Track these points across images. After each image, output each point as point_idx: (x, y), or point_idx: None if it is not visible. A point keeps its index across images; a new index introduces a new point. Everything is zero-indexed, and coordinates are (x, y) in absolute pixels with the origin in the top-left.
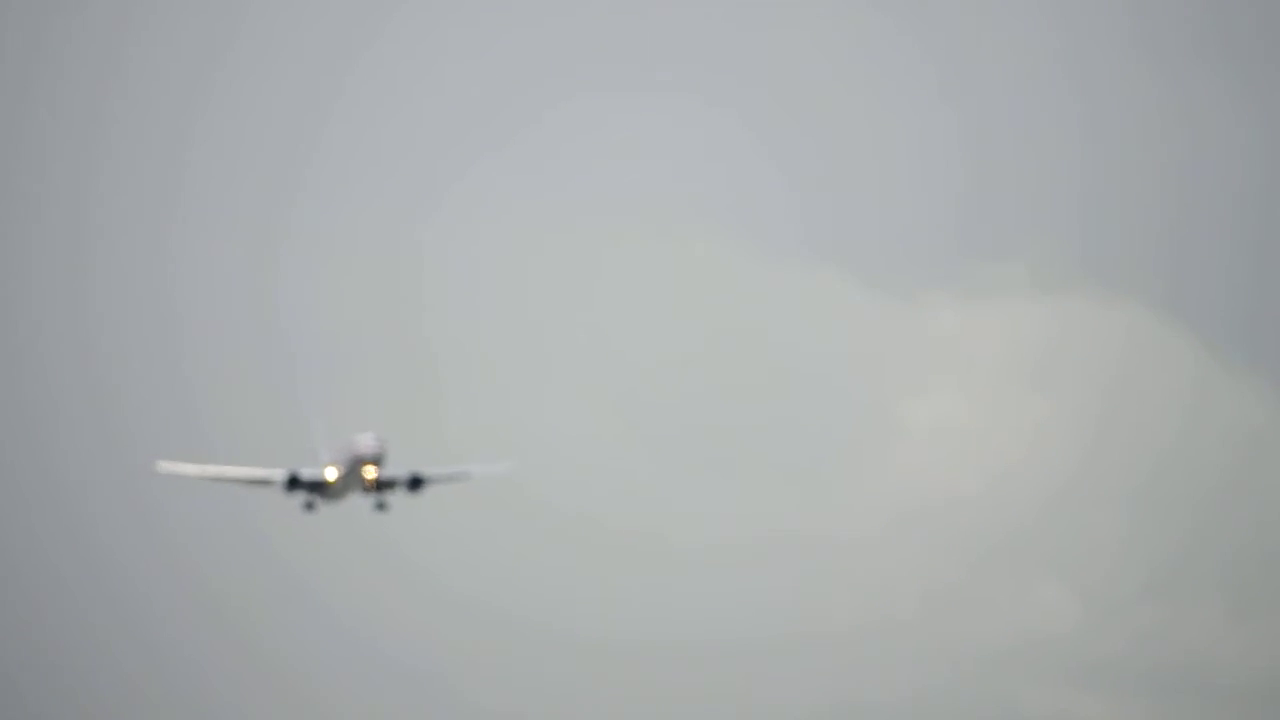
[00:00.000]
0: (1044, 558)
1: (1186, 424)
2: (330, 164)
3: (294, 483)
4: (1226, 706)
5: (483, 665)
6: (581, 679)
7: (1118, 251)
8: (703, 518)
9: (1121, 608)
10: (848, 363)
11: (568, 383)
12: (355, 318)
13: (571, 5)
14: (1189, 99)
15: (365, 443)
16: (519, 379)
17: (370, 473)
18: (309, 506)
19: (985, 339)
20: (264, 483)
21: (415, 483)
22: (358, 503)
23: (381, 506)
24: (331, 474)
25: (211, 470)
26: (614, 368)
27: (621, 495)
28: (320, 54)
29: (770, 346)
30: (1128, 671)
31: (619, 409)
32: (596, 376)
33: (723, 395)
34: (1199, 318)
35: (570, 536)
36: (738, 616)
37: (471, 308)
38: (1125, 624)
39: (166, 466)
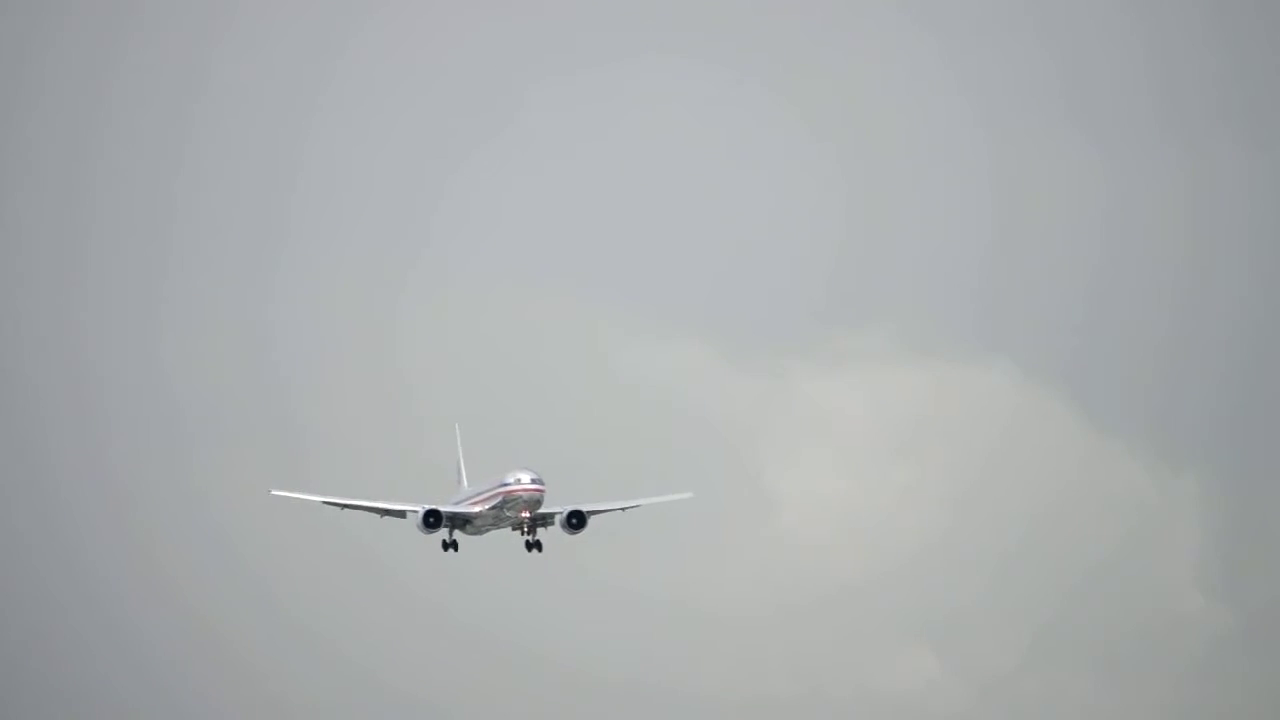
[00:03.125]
0: (913, 624)
1: (1055, 487)
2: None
3: (434, 518)
4: None
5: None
6: None
7: (983, 315)
8: (569, 585)
9: (991, 674)
10: (714, 433)
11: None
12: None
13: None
14: (1048, 158)
15: (521, 479)
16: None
17: (525, 513)
18: (449, 546)
19: (851, 406)
20: (398, 515)
21: (575, 519)
22: (506, 542)
23: (536, 546)
24: (476, 508)
25: (336, 500)
26: (480, 435)
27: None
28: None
29: (635, 415)
30: None
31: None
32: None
33: (586, 466)
34: (1066, 381)
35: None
36: (603, 677)
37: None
38: (996, 690)
39: (280, 492)
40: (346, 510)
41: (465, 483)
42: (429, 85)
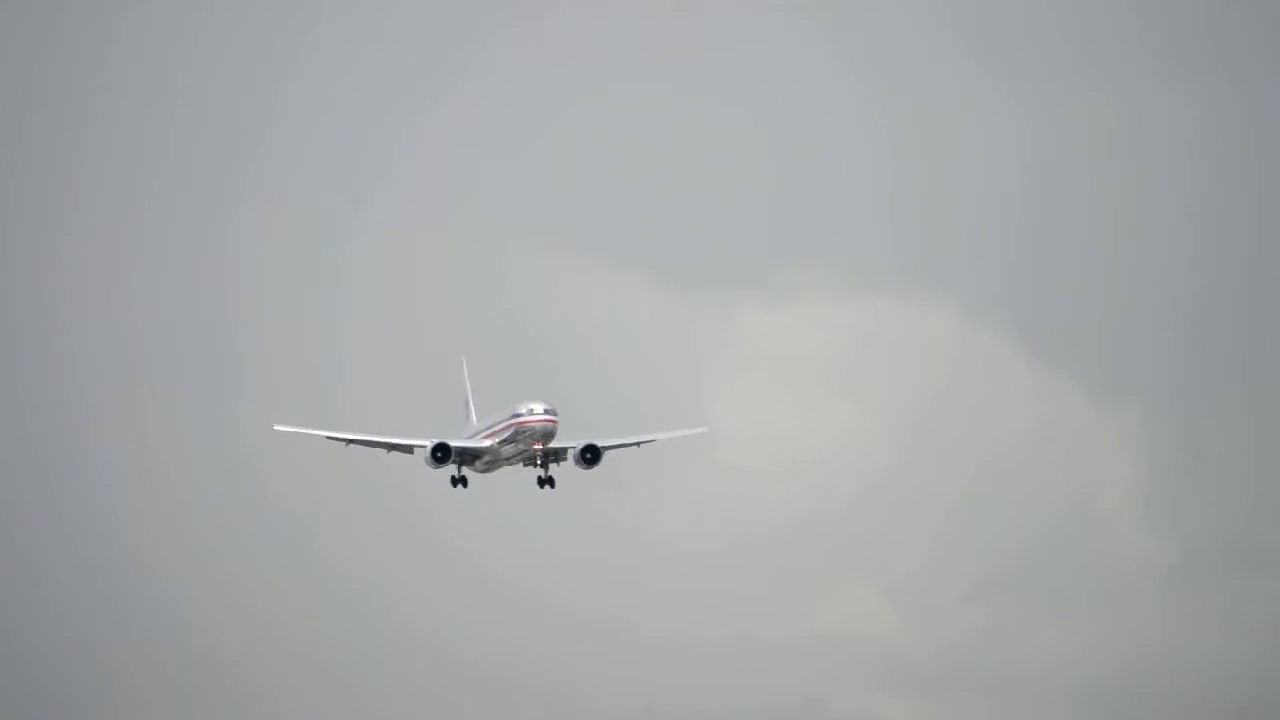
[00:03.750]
0: (857, 559)
1: (999, 422)
2: None
3: (442, 452)
4: (1040, 707)
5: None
6: None
7: (927, 253)
8: (507, 518)
9: (936, 608)
10: (657, 367)
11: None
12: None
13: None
14: (991, 99)
15: (534, 410)
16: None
17: (539, 445)
18: (458, 482)
19: (796, 342)
20: (405, 451)
21: (589, 454)
22: (517, 478)
23: (548, 482)
24: (486, 442)
25: (341, 435)
26: (419, 365)
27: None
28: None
29: (579, 348)
30: (943, 674)
31: (427, 403)
32: (404, 371)
33: (532, 397)
34: (1009, 317)
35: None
36: (534, 621)
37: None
38: (940, 625)
39: (283, 428)
40: (351, 448)
41: (474, 418)
42: (393, 25)
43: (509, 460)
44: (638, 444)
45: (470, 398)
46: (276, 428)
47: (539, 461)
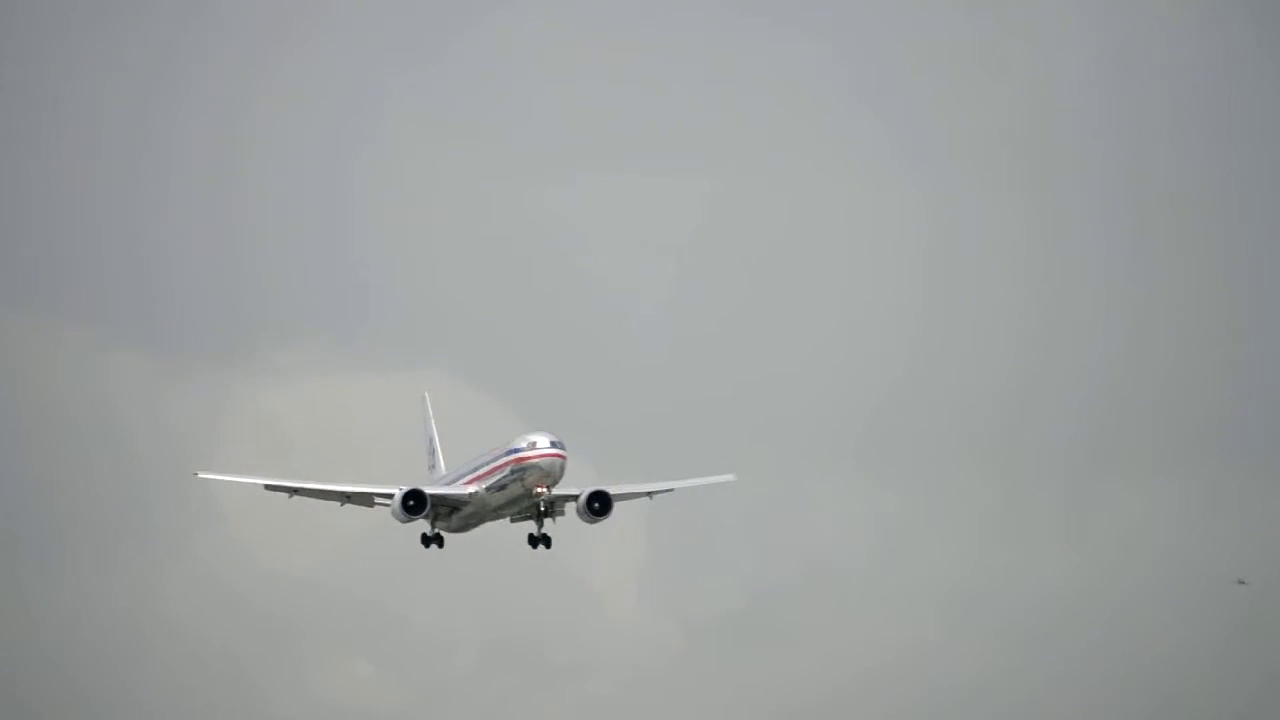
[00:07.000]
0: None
1: None
2: None
3: (415, 501)
4: None
5: None
6: None
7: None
8: None
9: (436, 684)
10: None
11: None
12: None
13: None
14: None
15: (537, 443)
16: None
17: (542, 489)
18: (432, 540)
19: (293, 416)
20: (366, 501)
21: (598, 503)
22: (502, 536)
23: (543, 540)
24: (470, 488)
25: (284, 483)
26: None
27: None
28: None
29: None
30: None
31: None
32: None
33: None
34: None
35: None
36: None
37: None
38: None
39: (207, 475)
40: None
41: (442, 465)
42: None
43: (497, 512)
44: (650, 494)
45: (436, 439)
46: (200, 474)
47: (540, 511)
